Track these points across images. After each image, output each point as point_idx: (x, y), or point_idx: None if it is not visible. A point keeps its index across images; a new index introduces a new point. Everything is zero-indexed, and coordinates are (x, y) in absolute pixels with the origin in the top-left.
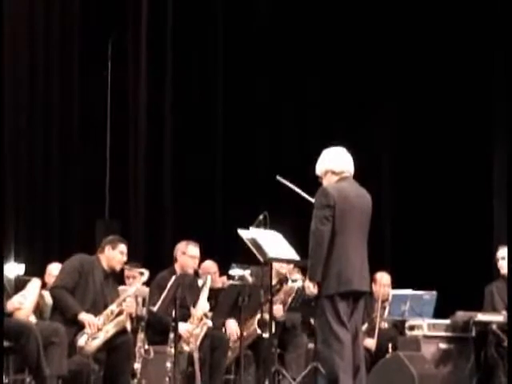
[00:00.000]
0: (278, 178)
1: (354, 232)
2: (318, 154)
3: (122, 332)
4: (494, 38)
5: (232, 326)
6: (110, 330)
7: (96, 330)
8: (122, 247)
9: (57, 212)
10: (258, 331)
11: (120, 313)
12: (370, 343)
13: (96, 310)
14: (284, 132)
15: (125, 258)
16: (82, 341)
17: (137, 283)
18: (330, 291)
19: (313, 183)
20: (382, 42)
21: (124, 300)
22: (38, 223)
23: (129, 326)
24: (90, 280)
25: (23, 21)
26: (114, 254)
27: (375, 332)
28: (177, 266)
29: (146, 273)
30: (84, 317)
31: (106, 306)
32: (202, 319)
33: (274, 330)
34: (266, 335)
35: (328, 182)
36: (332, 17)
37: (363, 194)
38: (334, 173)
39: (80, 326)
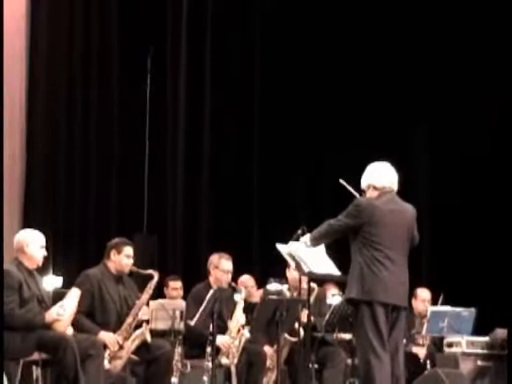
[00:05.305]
0: (341, 181)
1: (389, 246)
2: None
3: (160, 344)
4: None
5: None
6: (131, 346)
7: (118, 348)
8: (128, 250)
9: (94, 225)
10: (289, 338)
11: (138, 324)
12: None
13: (122, 318)
14: (323, 146)
15: (131, 261)
16: (106, 363)
17: (149, 290)
18: (367, 297)
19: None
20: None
21: (139, 309)
22: (76, 236)
23: (148, 337)
24: (105, 293)
25: (63, 35)
26: (120, 259)
27: (425, 343)
28: (211, 279)
29: (156, 275)
30: (103, 336)
31: (131, 308)
32: (239, 330)
33: (310, 343)
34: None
35: (369, 196)
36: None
37: (404, 209)
38: (375, 188)
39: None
